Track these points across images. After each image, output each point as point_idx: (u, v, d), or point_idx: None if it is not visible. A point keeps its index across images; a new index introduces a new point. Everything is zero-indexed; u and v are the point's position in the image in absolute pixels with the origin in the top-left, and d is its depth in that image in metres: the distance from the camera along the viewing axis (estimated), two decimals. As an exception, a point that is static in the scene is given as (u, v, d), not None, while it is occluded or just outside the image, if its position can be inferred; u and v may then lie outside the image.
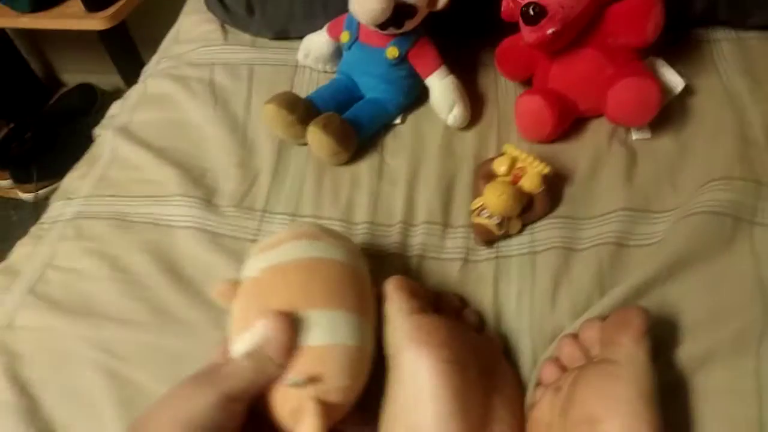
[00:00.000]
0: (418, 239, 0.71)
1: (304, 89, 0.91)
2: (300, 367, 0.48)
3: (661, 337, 0.59)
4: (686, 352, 0.58)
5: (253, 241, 0.72)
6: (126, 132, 0.87)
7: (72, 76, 2.04)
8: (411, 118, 0.85)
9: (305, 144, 0.79)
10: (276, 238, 0.57)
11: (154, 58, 1.05)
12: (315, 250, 0.55)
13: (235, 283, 0.55)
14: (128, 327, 0.65)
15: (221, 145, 0.83)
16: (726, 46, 0.86)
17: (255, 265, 0.55)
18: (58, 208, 0.80)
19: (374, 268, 0.61)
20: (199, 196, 0.76)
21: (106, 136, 0.89)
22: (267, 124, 0.81)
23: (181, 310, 0.66)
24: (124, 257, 0.71)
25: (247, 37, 1.01)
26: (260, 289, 0.53)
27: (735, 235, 0.64)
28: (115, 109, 0.97)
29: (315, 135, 0.76)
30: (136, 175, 0.81)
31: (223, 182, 0.79)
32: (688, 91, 0.79)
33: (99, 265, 0.71)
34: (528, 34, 0.70)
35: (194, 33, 1.04)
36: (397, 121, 0.85)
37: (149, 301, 0.67)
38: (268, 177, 0.79)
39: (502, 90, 0.86)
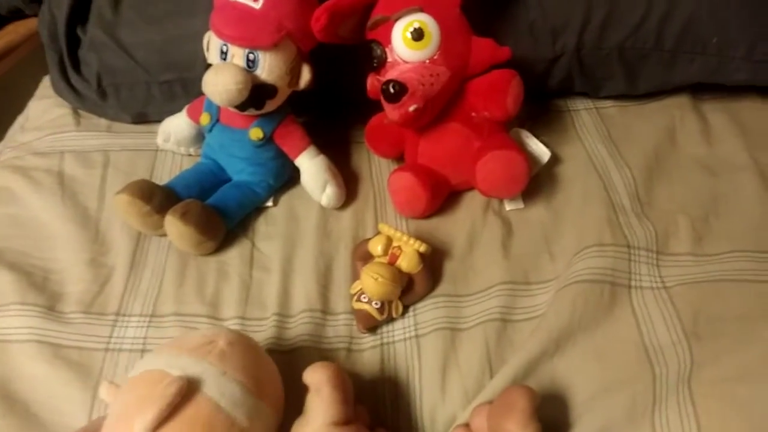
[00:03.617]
0: (296, 330, 0.66)
1: (166, 174, 0.84)
2: None
3: (556, 416, 0.57)
4: (583, 430, 0.56)
5: (105, 350, 0.64)
6: (-45, 234, 0.76)
7: None
8: (284, 199, 0.81)
9: (166, 235, 0.72)
10: (182, 343, 0.54)
11: (-3, 149, 0.94)
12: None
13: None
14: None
15: (69, 241, 0.74)
16: (585, 115, 0.89)
17: (145, 364, 0.53)
18: None
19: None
20: (39, 303, 0.67)
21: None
22: (121, 215, 0.74)
23: (11, 442, 0.56)
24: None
25: (103, 121, 0.93)
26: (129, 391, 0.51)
27: (615, 301, 0.64)
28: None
29: (173, 225, 0.69)
30: (-35, 284, 0.70)
31: (70, 284, 0.70)
32: (554, 160, 0.81)
33: None
34: (391, 111, 0.69)
35: (43, 119, 0.95)
36: (269, 203, 0.80)
37: (-31, 437, 0.56)
38: (124, 274, 0.71)
39: (376, 166, 0.85)
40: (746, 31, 0.81)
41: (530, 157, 0.77)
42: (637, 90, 0.88)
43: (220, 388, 0.49)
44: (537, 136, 0.81)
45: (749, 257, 0.67)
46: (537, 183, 0.78)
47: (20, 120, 0.98)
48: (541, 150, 0.80)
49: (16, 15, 1.19)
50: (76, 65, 0.92)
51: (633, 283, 0.66)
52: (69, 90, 0.92)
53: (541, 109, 0.90)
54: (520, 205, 0.76)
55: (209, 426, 0.48)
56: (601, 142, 0.84)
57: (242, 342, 0.55)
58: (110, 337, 0.65)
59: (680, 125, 0.85)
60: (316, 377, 0.52)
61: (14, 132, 0.96)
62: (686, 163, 0.80)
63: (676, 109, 0.88)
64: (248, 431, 0.50)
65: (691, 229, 0.71)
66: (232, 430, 0.49)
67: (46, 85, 1.00)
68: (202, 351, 0.52)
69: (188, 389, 0.48)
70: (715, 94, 0.89)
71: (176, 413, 0.47)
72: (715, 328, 0.61)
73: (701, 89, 0.88)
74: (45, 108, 0.97)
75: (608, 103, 0.90)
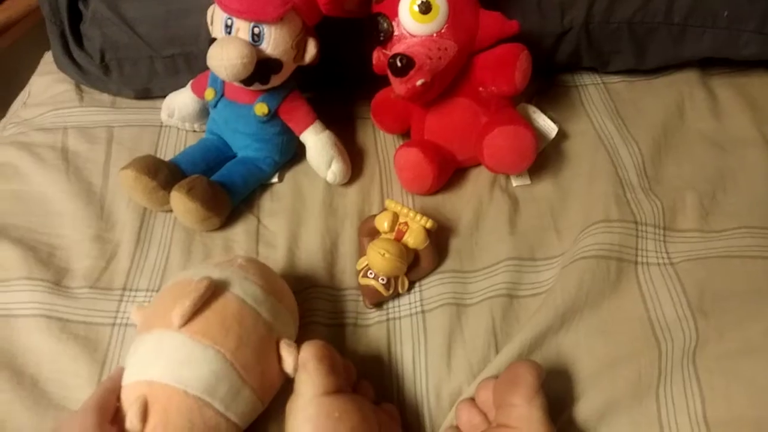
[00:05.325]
0: (303, 306, 0.65)
1: (170, 150, 0.84)
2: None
3: (561, 390, 0.57)
4: (587, 404, 0.56)
5: (112, 325, 0.64)
6: (-41, 210, 0.76)
7: None
8: (289, 175, 0.81)
9: (171, 211, 0.72)
10: (205, 263, 0.63)
11: (0, 125, 0.94)
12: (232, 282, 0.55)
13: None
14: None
15: (74, 217, 0.74)
16: (593, 90, 0.88)
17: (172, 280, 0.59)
18: None
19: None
20: (46, 279, 0.67)
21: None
22: (126, 191, 0.74)
23: (22, 416, 0.56)
24: (-49, 359, 0.60)
25: (106, 97, 0.93)
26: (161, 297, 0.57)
27: (621, 277, 0.64)
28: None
29: (179, 201, 0.69)
30: (-30, 260, 0.70)
31: (76, 260, 0.70)
32: (561, 135, 0.80)
33: None
34: (398, 85, 0.68)
35: (46, 95, 0.94)
36: (274, 179, 0.79)
37: (-21, 411, 0.56)
38: (130, 250, 0.71)
39: (382, 142, 0.84)
40: (757, 4, 0.80)
41: (537, 133, 0.76)
42: (646, 65, 0.87)
43: (244, 288, 0.55)
44: (544, 112, 0.80)
45: (756, 233, 0.67)
46: (544, 159, 0.77)
47: (22, 96, 0.97)
48: (548, 125, 0.79)
49: (16, -11, 1.18)
50: (79, 40, 0.90)
51: (640, 259, 0.65)
52: (71, 65, 0.91)
53: (549, 83, 0.89)
54: (527, 181, 0.76)
55: (239, 317, 0.53)
56: (609, 117, 0.83)
57: (258, 262, 0.61)
58: (117, 311, 0.65)
59: (688, 100, 0.84)
60: (300, 355, 0.52)
61: (17, 108, 0.95)
62: (694, 139, 0.79)
63: (684, 84, 0.87)
64: (272, 327, 0.55)
65: (699, 205, 0.70)
66: (258, 322, 0.54)
67: (48, 60, 0.99)
68: (224, 264, 0.58)
69: (216, 288, 0.53)
70: (723, 69, 0.88)
71: (207, 306, 0.52)
72: (720, 304, 0.60)
73: (709, 64, 0.87)
74: (47, 84, 0.96)
75: (616, 78, 0.89)
